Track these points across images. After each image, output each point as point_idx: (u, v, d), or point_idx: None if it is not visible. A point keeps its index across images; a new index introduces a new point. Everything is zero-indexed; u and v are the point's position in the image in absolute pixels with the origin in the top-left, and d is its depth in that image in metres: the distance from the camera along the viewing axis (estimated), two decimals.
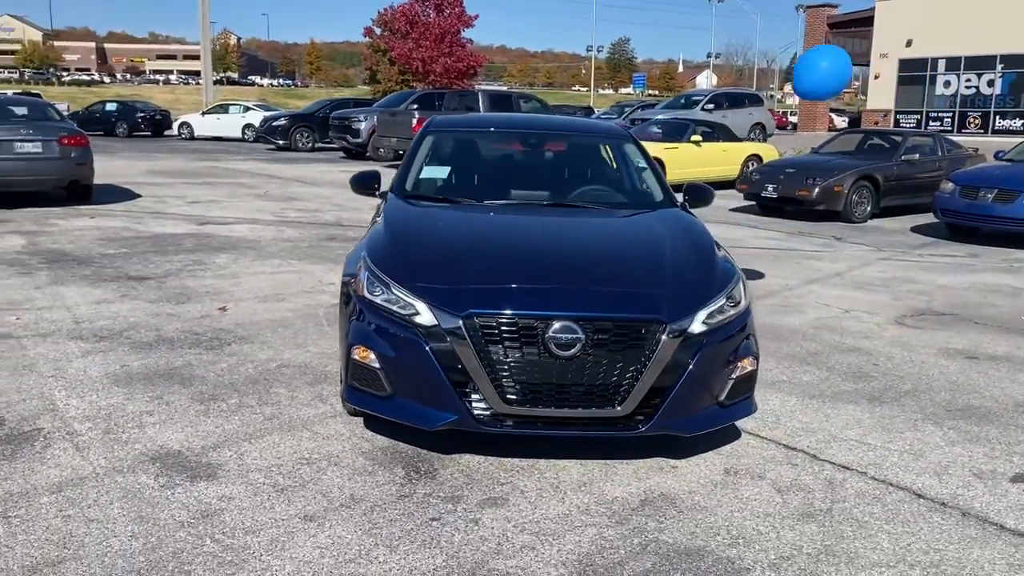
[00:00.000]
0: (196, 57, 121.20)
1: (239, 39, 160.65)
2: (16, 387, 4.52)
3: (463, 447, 3.82)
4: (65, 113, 34.60)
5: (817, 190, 12.42)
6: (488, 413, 3.48)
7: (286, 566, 2.86)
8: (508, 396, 3.45)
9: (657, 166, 5.25)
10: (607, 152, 5.48)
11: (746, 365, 3.77)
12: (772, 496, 3.53)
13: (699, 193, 5.06)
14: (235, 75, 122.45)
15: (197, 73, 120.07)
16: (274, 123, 27.17)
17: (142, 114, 33.75)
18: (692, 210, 5.20)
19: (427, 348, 3.45)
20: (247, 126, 30.85)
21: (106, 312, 6.19)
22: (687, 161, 16.02)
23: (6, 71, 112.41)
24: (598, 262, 3.88)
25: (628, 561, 2.97)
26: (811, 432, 4.28)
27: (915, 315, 6.96)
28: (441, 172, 5.14)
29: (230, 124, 31.66)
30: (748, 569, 2.95)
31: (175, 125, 33.18)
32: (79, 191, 12.14)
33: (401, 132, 20.29)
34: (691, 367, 3.52)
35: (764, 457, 3.94)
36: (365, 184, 4.89)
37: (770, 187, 12.99)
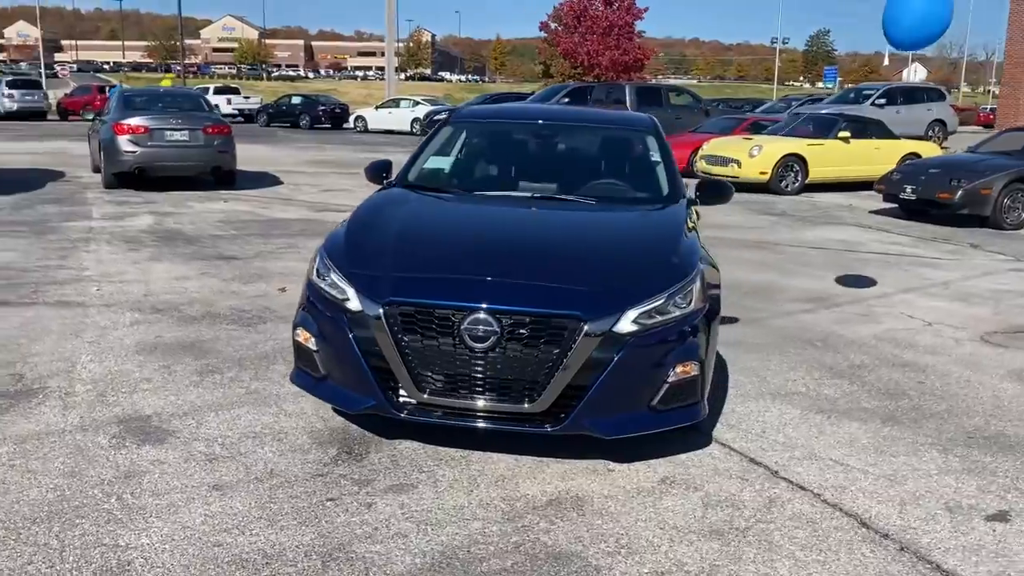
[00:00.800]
0: (395, 54, 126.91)
1: (433, 36, 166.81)
2: (53, 350, 5.00)
3: (411, 434, 3.85)
4: (257, 106, 37.50)
5: (960, 192, 11.38)
6: (405, 401, 3.50)
7: (164, 529, 3.03)
8: (424, 385, 3.46)
9: (672, 160, 5.03)
10: (625, 145, 5.32)
11: (688, 370, 3.58)
12: (694, 510, 3.34)
13: (713, 190, 4.82)
14: (427, 71, 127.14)
15: (395, 69, 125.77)
16: (435, 117, 28.05)
17: (323, 108, 35.79)
18: (711, 207, 4.99)
19: (351, 334, 3.52)
20: (415, 120, 32.04)
21: (178, 288, 6.70)
22: (831, 159, 15.14)
23: (225, 67, 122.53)
24: (542, 257, 3.80)
25: (490, 558, 2.92)
26: (789, 448, 4.00)
27: (1008, 332, 6.28)
28: (444, 163, 5.18)
29: (400, 118, 32.98)
30: None
31: (351, 118, 34.97)
32: (223, 176, 13.11)
33: None
34: (612, 368, 3.38)
35: (716, 469, 3.72)
36: (376, 173, 5.01)
37: (909, 188, 12.04)
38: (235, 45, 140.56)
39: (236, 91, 41.03)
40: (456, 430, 3.70)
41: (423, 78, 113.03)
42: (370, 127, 33.75)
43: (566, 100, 21.71)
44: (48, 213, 10.33)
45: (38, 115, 33.44)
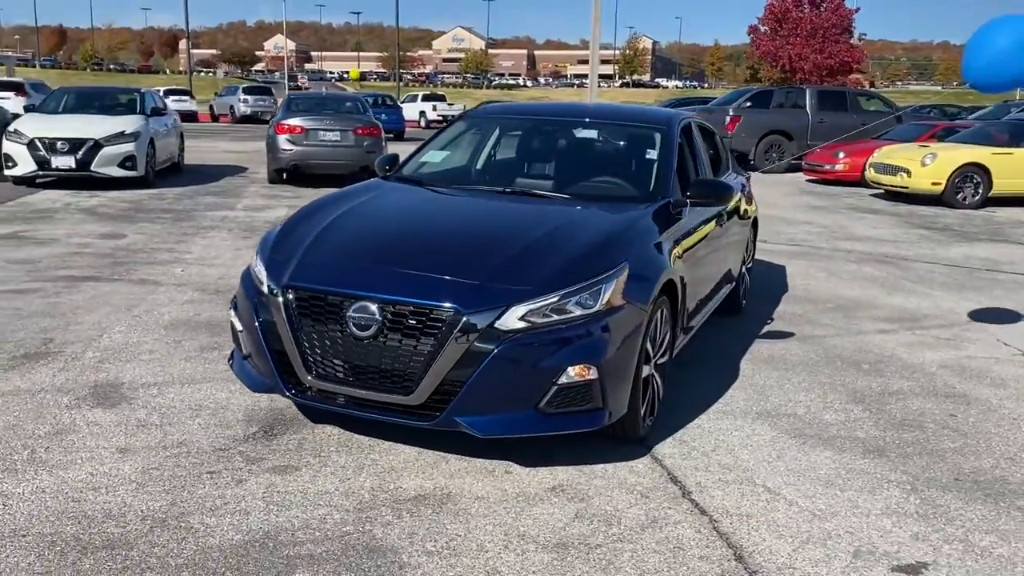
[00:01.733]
0: (610, 61, 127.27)
1: (655, 43, 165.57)
2: (97, 320, 5.53)
3: (336, 421, 3.91)
4: (457, 112, 39.02)
5: None
6: (298, 384, 3.57)
7: (45, 481, 3.28)
8: (313, 370, 3.51)
9: (669, 159, 4.73)
10: (630, 142, 5.09)
11: (584, 372, 3.38)
12: (559, 520, 3.16)
13: (705, 190, 4.51)
14: (643, 78, 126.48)
15: (608, 76, 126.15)
16: None
17: None
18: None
19: (258, 317, 3.65)
20: None
21: None
22: (1020, 170, 13.53)
23: (452, 76, 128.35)
24: (453, 250, 3.71)
25: (306, 543, 2.92)
26: (726, 470, 3.67)
27: None
28: (439, 156, 5.18)
29: None
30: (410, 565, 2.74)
31: None
32: (372, 175, 13.79)
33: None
34: (487, 364, 3.27)
35: (623, 482, 3.49)
36: (382, 166, 5.12)
37: None
38: (462, 55, 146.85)
39: (442, 98, 42.86)
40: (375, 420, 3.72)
41: (638, 85, 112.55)
42: None
43: (748, 104, 20.85)
44: (201, 203, 11.35)
45: (190, 118, 36.93)
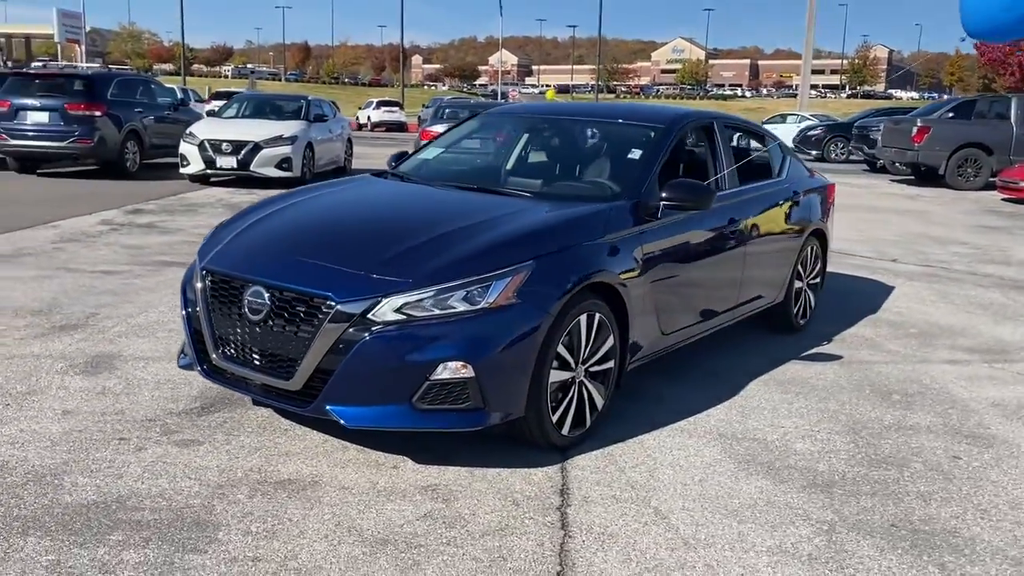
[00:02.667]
0: (838, 71, 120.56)
1: (891, 52, 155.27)
2: (150, 300, 6.02)
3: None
4: None
5: None
6: (210, 363, 3.73)
7: None
8: (219, 350, 3.66)
9: (652, 158, 4.46)
10: (620, 141, 4.86)
11: (458, 368, 3.28)
12: (398, 518, 3.09)
13: (678, 192, 4.22)
14: (875, 88, 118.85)
15: (834, 87, 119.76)
16: (808, 133, 26.53)
17: None
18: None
19: (186, 299, 3.86)
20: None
21: None
22: None
23: (669, 87, 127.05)
24: (363, 240, 3.70)
25: (136, 511, 3.04)
26: (629, 488, 3.44)
27: None
28: (434, 152, 5.19)
29: (785, 133, 31.58)
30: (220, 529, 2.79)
31: None
32: None
33: (901, 142, 18.30)
34: (353, 354, 3.25)
35: (505, 487, 3.36)
36: (390, 161, 5.23)
37: None
38: (679, 66, 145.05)
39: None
40: None
41: (867, 96, 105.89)
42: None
43: (950, 115, 19.13)
44: None
45: (398, 128, 39.40)
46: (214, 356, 3.66)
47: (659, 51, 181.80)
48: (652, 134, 4.68)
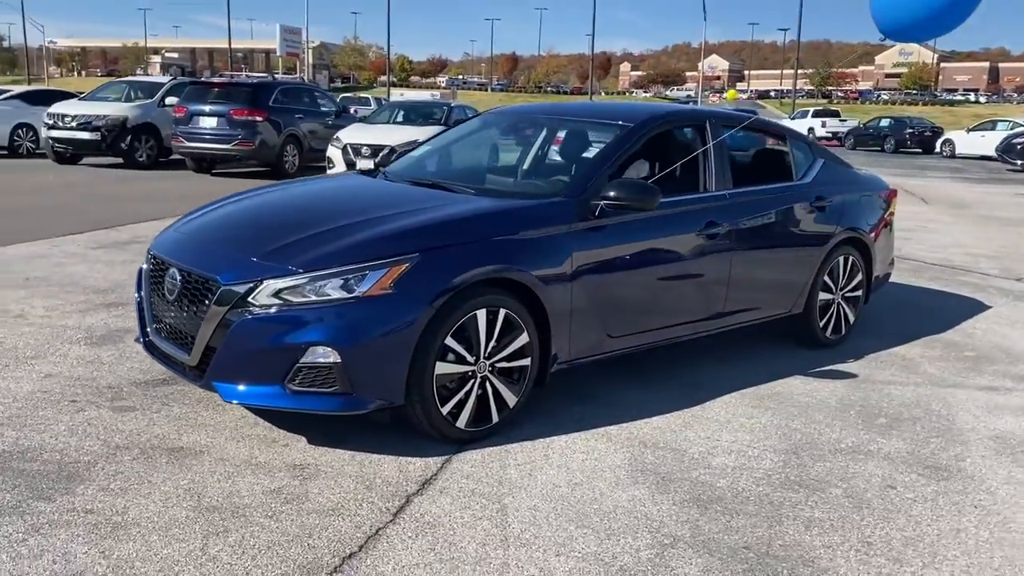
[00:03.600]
0: None
1: None
2: None
3: None
4: (847, 128, 36.48)
5: None
6: (146, 337, 4.08)
7: None
8: (152, 326, 4.00)
9: (606, 157, 4.36)
10: (586, 140, 4.76)
11: (325, 353, 3.40)
12: (232, 487, 3.27)
13: (621, 192, 4.11)
14: None
15: None
16: (1013, 140, 24.13)
17: (910, 131, 33.31)
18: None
19: (139, 279, 4.24)
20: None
21: None
22: None
23: (892, 92, 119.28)
24: (273, 229, 3.82)
25: (15, 460, 3.41)
26: (496, 484, 3.43)
27: None
28: (424, 150, 5.30)
29: (989, 141, 28.95)
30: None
31: (937, 142, 31.88)
32: None
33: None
34: (230, 334, 3.47)
35: (371, 473, 3.45)
36: (384, 158, 5.45)
37: None
38: (904, 70, 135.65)
39: (835, 114, 40.52)
40: None
41: None
42: (957, 152, 30.36)
43: None
44: None
45: None
46: (149, 331, 4.01)
47: (884, 54, 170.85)
48: (616, 133, 4.57)
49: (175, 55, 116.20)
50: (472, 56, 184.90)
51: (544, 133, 5.22)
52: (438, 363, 3.60)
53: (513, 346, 3.85)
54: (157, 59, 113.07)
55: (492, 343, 3.77)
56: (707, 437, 4.02)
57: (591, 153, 4.53)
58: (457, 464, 3.59)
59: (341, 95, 36.36)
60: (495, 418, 3.85)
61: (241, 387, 3.53)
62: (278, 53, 52.59)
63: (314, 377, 3.45)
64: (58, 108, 16.21)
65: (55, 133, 16.01)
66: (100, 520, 2.98)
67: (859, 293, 5.75)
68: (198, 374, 3.66)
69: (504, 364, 3.85)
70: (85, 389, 4.24)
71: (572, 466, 3.62)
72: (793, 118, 41.71)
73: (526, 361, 3.92)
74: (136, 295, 4.25)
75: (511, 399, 3.90)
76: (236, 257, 3.64)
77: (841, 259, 5.53)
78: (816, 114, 39.37)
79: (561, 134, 5.08)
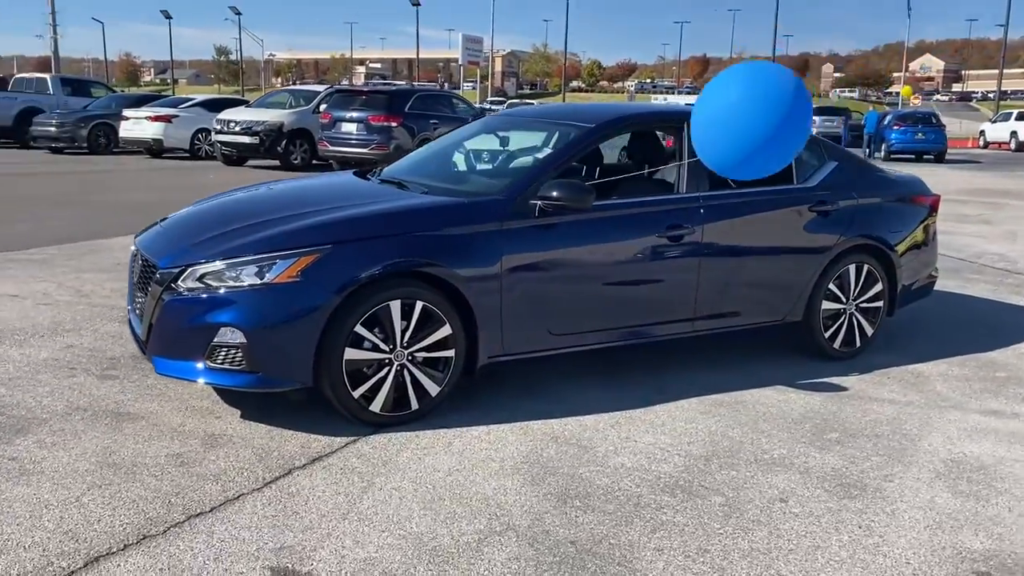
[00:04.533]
0: None
1: None
2: None
3: None
4: None
5: None
6: (129, 315, 4.58)
7: None
8: (130, 306, 4.50)
9: (551, 158, 4.42)
10: (544, 141, 4.81)
11: (236, 335, 3.72)
12: (135, 449, 3.66)
13: (555, 191, 4.18)
14: None
15: None
16: None
17: None
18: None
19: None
20: None
21: None
22: None
23: None
24: (224, 221, 4.15)
25: None
26: (382, 466, 3.63)
27: None
28: (423, 153, 5.52)
29: None
30: None
31: None
32: None
33: None
34: (159, 314, 3.87)
35: (273, 446, 3.74)
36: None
37: None
38: None
39: None
40: None
41: None
42: None
43: None
44: None
45: None
46: (128, 311, 4.51)
47: None
48: (572, 134, 4.63)
49: (378, 65, 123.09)
50: (664, 59, 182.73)
51: (519, 135, 5.33)
52: (348, 349, 3.83)
53: (433, 337, 4.01)
54: (362, 69, 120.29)
55: (409, 333, 3.96)
56: (627, 437, 4.00)
57: (542, 153, 4.60)
58: (360, 445, 3.81)
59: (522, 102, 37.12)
60: (414, 405, 4.04)
61: (170, 361, 3.92)
62: (460, 62, 54.57)
63: (225, 355, 3.78)
64: (225, 115, 17.82)
65: (222, 137, 17.61)
66: (16, 467, 3.44)
67: (878, 304, 5.42)
68: (145, 348, 4.10)
69: (425, 354, 4.02)
70: (90, 359, 4.81)
71: (467, 454, 3.75)
72: (994, 121, 38.61)
73: (449, 353, 4.07)
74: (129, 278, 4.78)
75: (432, 388, 4.06)
76: (178, 245, 4.05)
77: (852, 267, 5.25)
78: (1020, 116, 36.07)
79: (534, 135, 5.17)
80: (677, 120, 4.89)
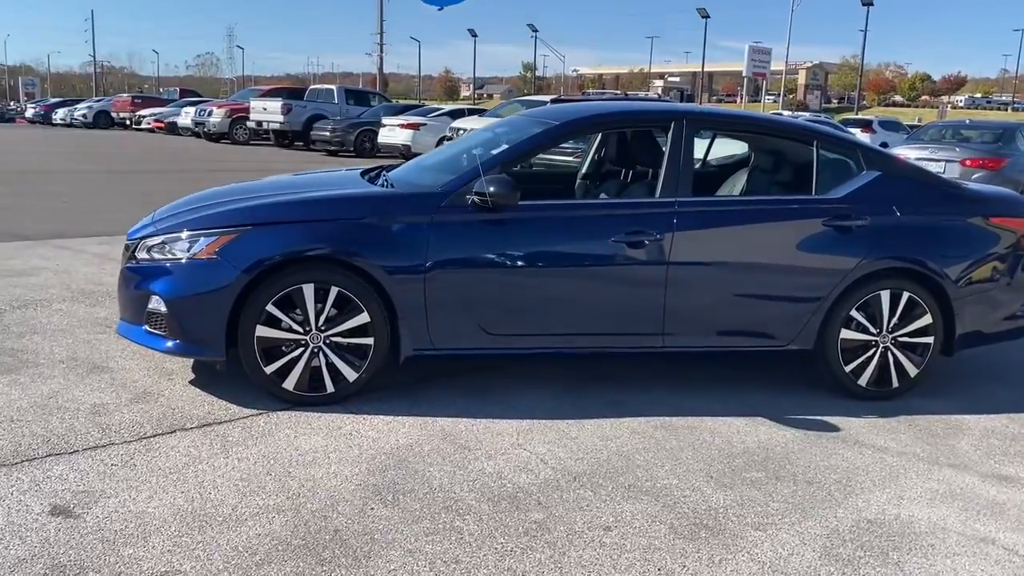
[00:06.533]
0: None
1: None
2: None
3: None
4: None
5: None
6: None
7: None
8: None
9: (500, 155, 4.31)
10: (513, 139, 4.64)
11: (160, 303, 4.06)
12: (71, 411, 4.13)
13: (486, 188, 4.12)
14: None
15: None
16: None
17: None
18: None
19: None
20: None
21: None
22: None
23: None
24: (202, 205, 4.55)
25: None
26: (243, 446, 3.84)
27: None
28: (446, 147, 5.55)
29: None
30: None
31: None
32: None
33: None
34: (121, 280, 4.32)
35: (181, 413, 4.09)
36: None
37: None
38: None
39: None
40: None
41: None
42: None
43: None
44: None
45: None
46: None
47: None
48: (534, 131, 4.48)
49: (677, 79, 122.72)
50: (1008, 73, 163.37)
51: (506, 135, 5.18)
52: (261, 327, 4.05)
53: (350, 323, 4.12)
54: (660, 83, 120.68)
55: (324, 317, 4.09)
56: (519, 445, 3.84)
57: (497, 150, 4.49)
58: (259, 418, 4.00)
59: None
60: (329, 388, 4.16)
61: (124, 324, 4.38)
62: (744, 74, 52.91)
63: (156, 322, 4.16)
64: (457, 123, 18.89)
65: None
66: None
67: (928, 340, 4.63)
68: None
69: (342, 339, 4.14)
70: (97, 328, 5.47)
71: (341, 440, 3.79)
72: None
73: (368, 340, 4.15)
74: None
75: (350, 373, 4.17)
76: (147, 222, 4.50)
77: (886, 293, 4.54)
78: None
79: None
80: (660, 120, 4.55)
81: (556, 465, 3.63)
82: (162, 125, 32.49)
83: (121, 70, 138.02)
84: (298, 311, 4.07)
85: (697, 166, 4.91)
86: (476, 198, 4.13)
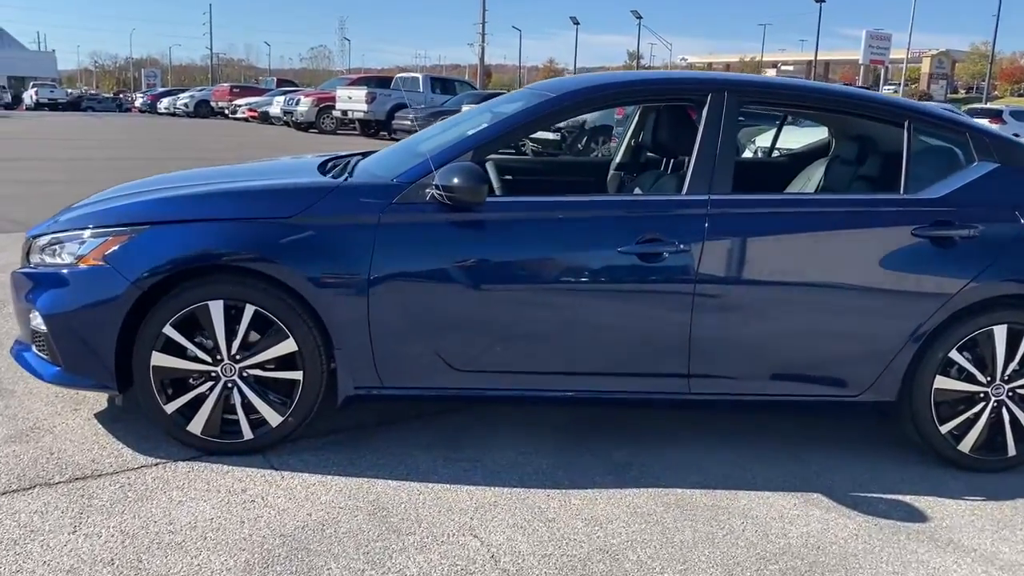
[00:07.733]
0: None
1: None
2: None
3: None
4: None
5: None
6: None
7: None
8: None
9: (472, 138, 3.28)
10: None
11: (39, 320, 3.24)
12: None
13: (446, 180, 3.13)
14: None
15: None
16: None
17: None
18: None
19: None
20: None
21: None
22: None
23: None
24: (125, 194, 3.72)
25: None
26: (126, 492, 2.98)
27: None
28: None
29: None
30: None
31: None
32: None
33: None
34: (11, 286, 3.50)
35: (85, 457, 3.27)
36: None
37: None
38: None
39: None
40: None
41: None
42: None
43: None
44: None
45: None
46: None
47: None
48: (518, 105, 3.45)
49: (791, 68, 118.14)
50: None
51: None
52: (157, 353, 3.17)
53: (269, 353, 3.20)
54: (772, 72, 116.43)
55: (237, 344, 3.18)
56: (468, 527, 2.84)
57: (473, 130, 3.45)
58: (146, 472, 3.12)
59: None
60: (247, 434, 3.26)
61: (18, 346, 3.54)
62: (861, 61, 49.57)
63: (39, 343, 3.33)
64: None
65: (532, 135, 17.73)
66: None
67: None
68: None
69: (261, 372, 3.22)
70: None
71: (235, 511, 2.87)
72: None
73: (296, 375, 3.22)
74: None
75: (272, 416, 3.25)
76: (56, 216, 3.62)
77: (1001, 329, 3.32)
78: None
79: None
80: (692, 91, 3.44)
81: (509, 567, 2.61)
82: (255, 114, 32.60)
83: (239, 62, 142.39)
84: (206, 335, 3.16)
85: (756, 155, 3.75)
86: (436, 192, 3.13)
